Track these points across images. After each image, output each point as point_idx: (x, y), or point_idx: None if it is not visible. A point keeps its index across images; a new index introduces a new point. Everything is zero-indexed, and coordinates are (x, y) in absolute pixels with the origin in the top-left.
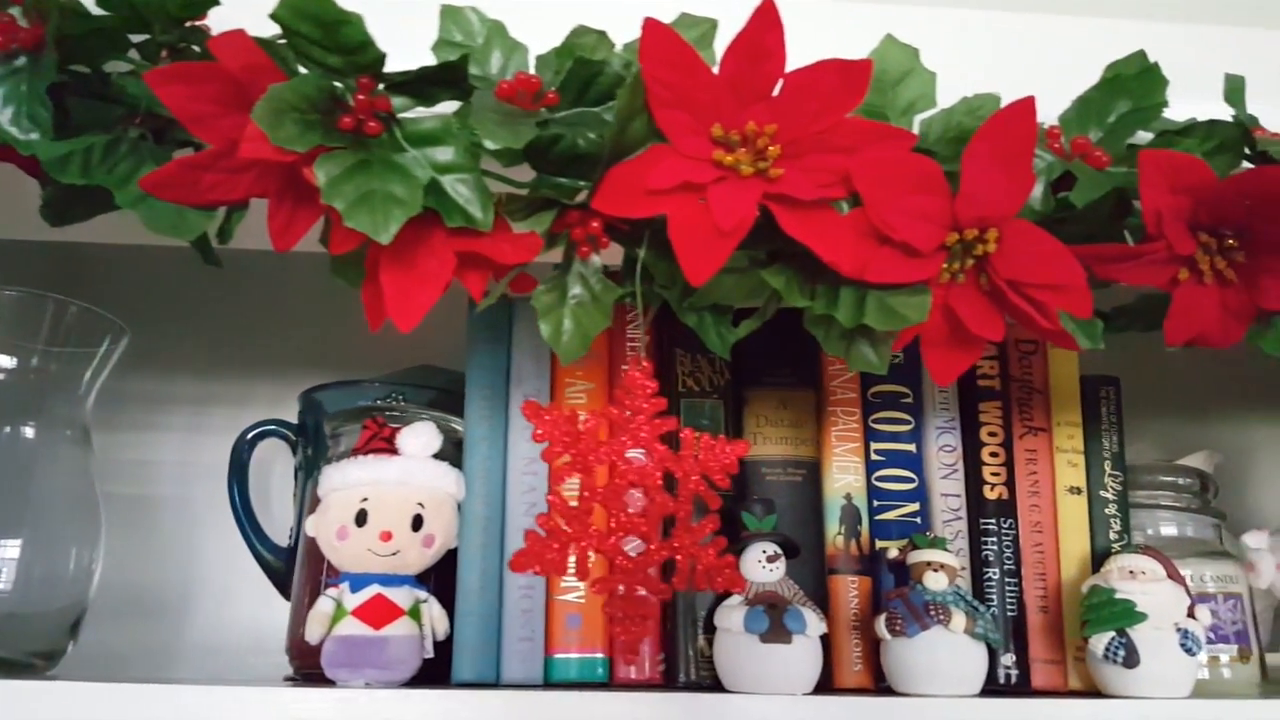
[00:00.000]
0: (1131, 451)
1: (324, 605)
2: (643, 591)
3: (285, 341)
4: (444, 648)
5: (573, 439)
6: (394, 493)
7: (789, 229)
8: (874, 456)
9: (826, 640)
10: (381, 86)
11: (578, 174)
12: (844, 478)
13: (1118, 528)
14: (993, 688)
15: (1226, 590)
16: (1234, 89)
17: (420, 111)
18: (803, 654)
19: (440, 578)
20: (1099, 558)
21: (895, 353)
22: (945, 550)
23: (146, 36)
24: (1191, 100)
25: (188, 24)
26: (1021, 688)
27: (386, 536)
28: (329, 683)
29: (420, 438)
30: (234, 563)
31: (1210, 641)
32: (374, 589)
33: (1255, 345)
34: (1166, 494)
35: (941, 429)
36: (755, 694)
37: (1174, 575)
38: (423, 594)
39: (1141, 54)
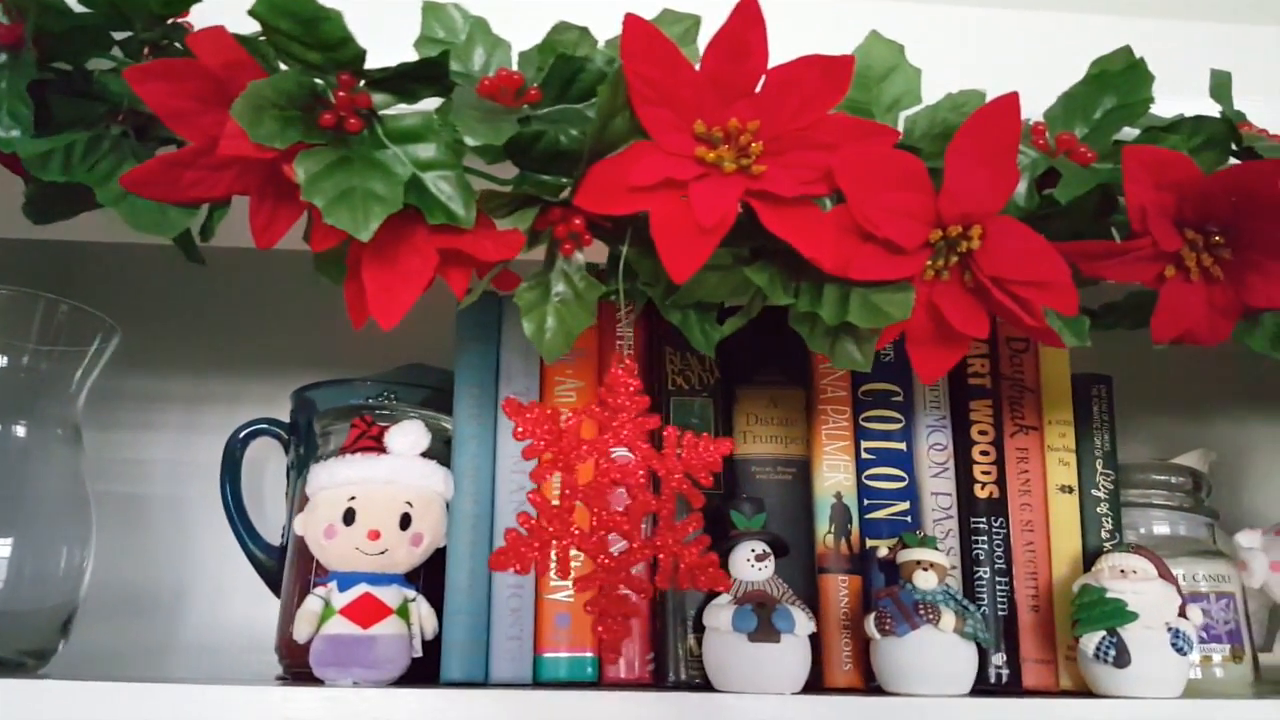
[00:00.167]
0: (1126, 450)
1: (312, 604)
2: (625, 590)
3: (278, 340)
4: (433, 647)
5: (554, 437)
6: (382, 491)
7: (770, 226)
8: (864, 455)
9: (816, 639)
10: (362, 83)
11: (560, 171)
12: (834, 476)
13: (1109, 526)
14: (983, 687)
15: (1219, 589)
16: (1220, 84)
17: (402, 108)
18: (791, 653)
19: (429, 576)
20: (1090, 557)
21: (883, 350)
22: (935, 549)
23: (129, 34)
24: (1178, 96)
25: (169, 21)
26: (1012, 687)
27: (374, 535)
28: (318, 682)
29: (408, 436)
30: (227, 561)
31: (1203, 641)
32: (362, 588)
33: (1242, 343)
34: (1159, 493)
35: (932, 427)
36: (744, 693)
37: (1165, 574)
38: (411, 593)
39: (1127, 50)
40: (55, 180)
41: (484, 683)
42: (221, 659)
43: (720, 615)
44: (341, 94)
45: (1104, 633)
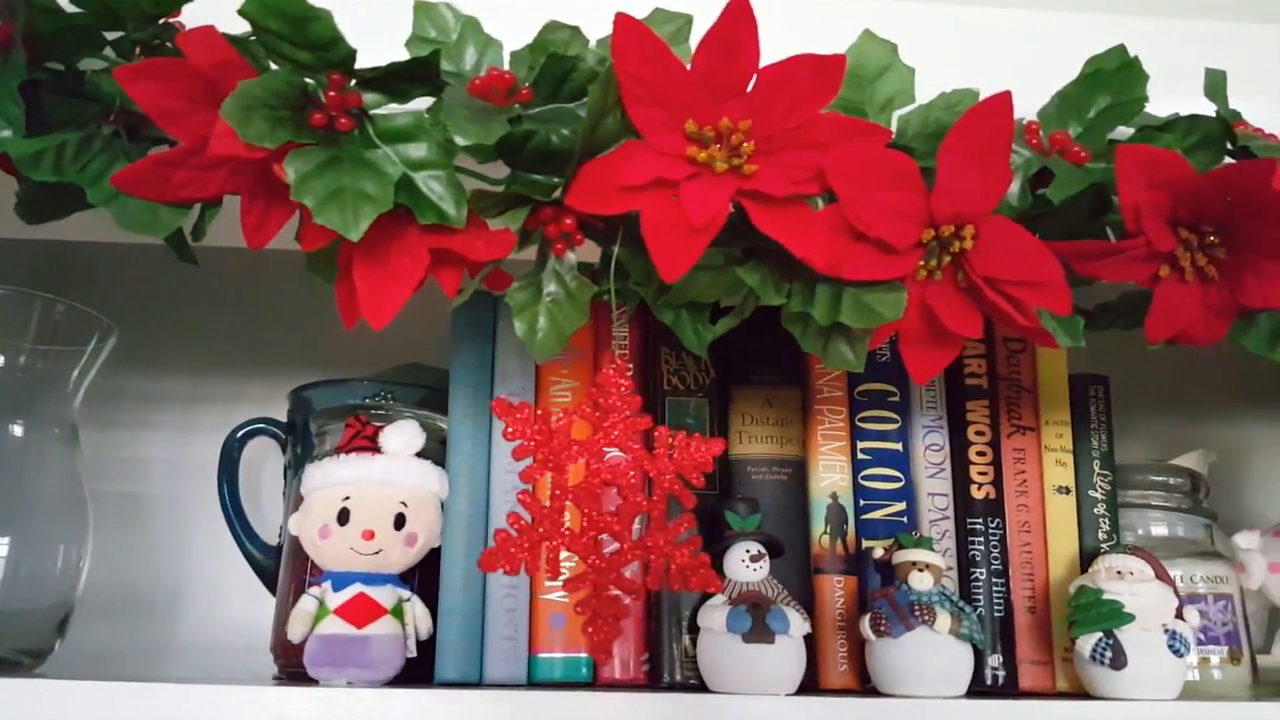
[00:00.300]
0: (1125, 451)
1: (306, 604)
2: (616, 591)
3: (276, 340)
4: (427, 647)
5: (545, 437)
6: (376, 491)
7: (761, 225)
8: (860, 455)
9: (811, 640)
10: (353, 83)
11: (552, 170)
12: (830, 476)
13: (1106, 527)
14: (979, 689)
15: (1217, 591)
16: (1215, 84)
17: (394, 108)
18: (786, 654)
19: (424, 576)
20: (1087, 558)
21: (879, 351)
22: (931, 550)
23: (121, 34)
24: (1174, 95)
25: (161, 21)
26: (1008, 689)
27: (368, 535)
28: (313, 682)
29: (402, 436)
30: (224, 561)
31: (1200, 643)
32: (356, 588)
33: (1238, 344)
34: (1157, 494)
35: (929, 428)
36: (738, 694)
37: (1162, 576)
38: (405, 593)
39: (1122, 49)
40: (46, 180)
41: (479, 683)
42: (219, 658)
43: (715, 616)
44: (332, 94)
45: (1100, 634)
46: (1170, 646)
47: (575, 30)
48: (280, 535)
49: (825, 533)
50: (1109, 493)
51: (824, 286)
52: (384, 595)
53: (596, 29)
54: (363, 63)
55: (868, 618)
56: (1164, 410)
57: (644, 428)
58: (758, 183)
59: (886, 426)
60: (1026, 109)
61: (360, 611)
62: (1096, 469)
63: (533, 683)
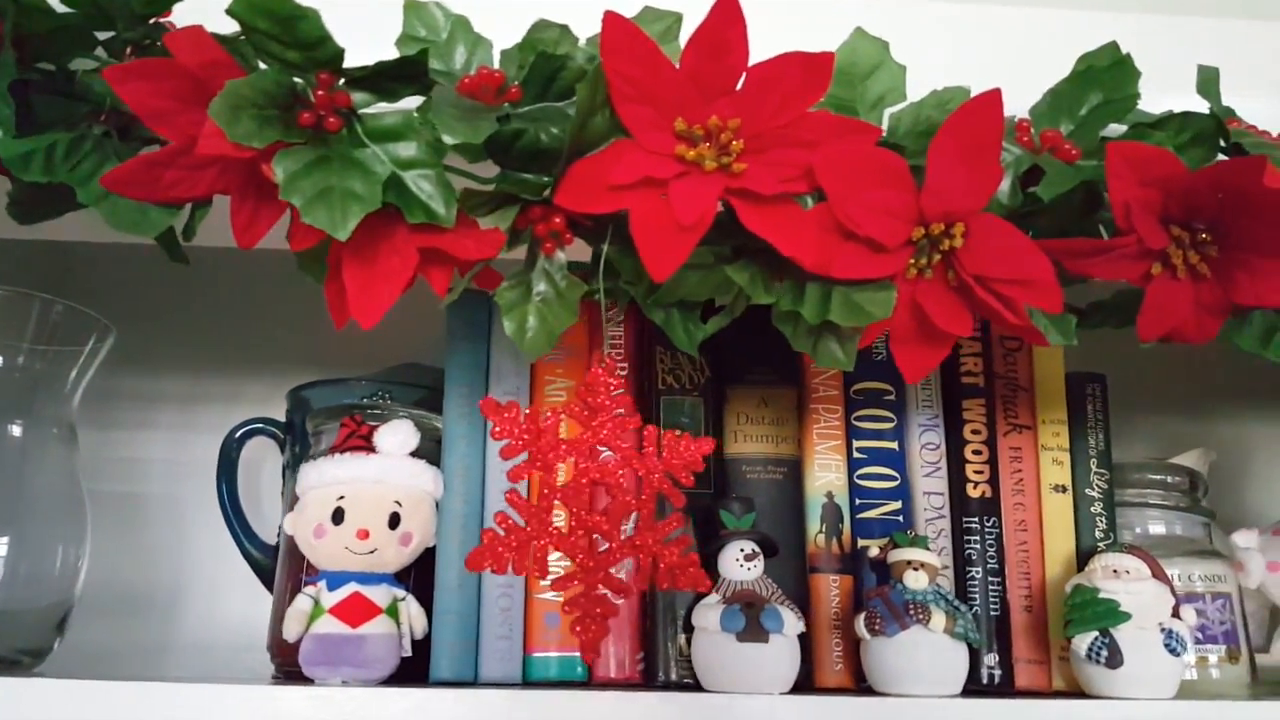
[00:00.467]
0: (1126, 449)
1: (301, 603)
2: (604, 591)
3: (274, 339)
4: (422, 646)
5: (533, 436)
6: (371, 491)
7: (749, 223)
8: (856, 454)
9: (807, 639)
10: (342, 82)
11: (541, 169)
12: (825, 475)
13: (1103, 526)
14: (976, 688)
15: (1215, 590)
16: (1207, 80)
17: (383, 107)
18: (780, 653)
19: (419, 576)
20: (1084, 557)
21: (874, 349)
22: (926, 549)
23: (112, 33)
24: (1167, 93)
25: (152, 21)
26: (1005, 688)
27: (363, 535)
28: (309, 681)
29: (397, 436)
30: (223, 560)
31: (1198, 642)
32: (351, 587)
33: (1231, 342)
34: (1155, 492)
35: (924, 426)
36: (733, 693)
37: (1159, 574)
38: (400, 592)
39: (1114, 45)
40: (37, 181)
41: (473, 682)
42: (217, 658)
43: (708, 615)
44: (320, 93)
45: (1096, 633)
46: (1166, 645)
47: (564, 29)
48: (278, 535)
49: (821, 532)
50: (1106, 491)
51: (813, 285)
52: (379, 594)
53: (587, 27)
54: (354, 62)
55: (863, 616)
56: (1165, 408)
57: (633, 427)
58: (747, 181)
59: (882, 425)
60: (1019, 106)
61: (355, 611)
62: (1093, 467)
63: (528, 682)
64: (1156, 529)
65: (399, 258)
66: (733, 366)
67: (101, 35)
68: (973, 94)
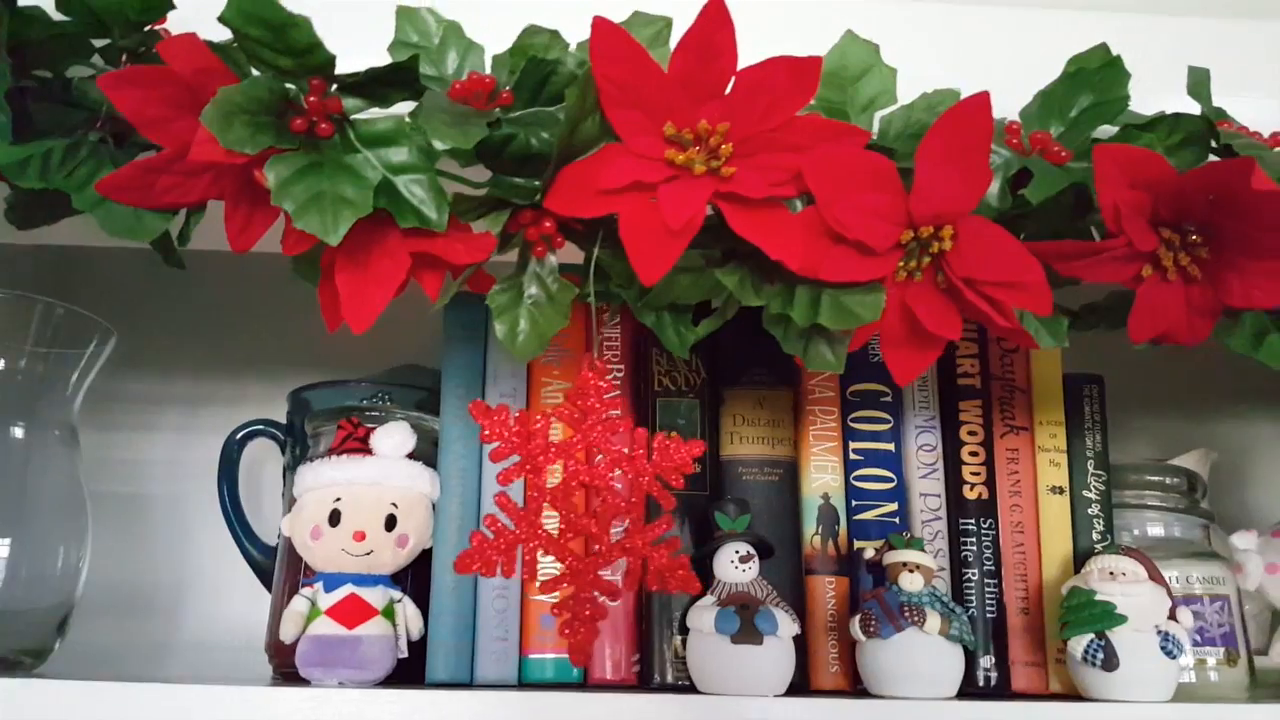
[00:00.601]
0: (1125, 450)
1: (298, 605)
2: (594, 593)
3: (275, 342)
4: (418, 648)
5: (523, 439)
6: (367, 493)
7: (737, 227)
8: (852, 456)
9: (803, 641)
10: (334, 88)
11: (532, 174)
12: (822, 477)
13: (1100, 528)
14: (972, 690)
15: (1213, 592)
16: (1197, 82)
17: (375, 113)
18: (774, 655)
19: (415, 578)
20: (1081, 559)
21: (870, 350)
22: (921, 551)
23: (108, 41)
24: (1157, 94)
25: (147, 28)
26: (1001, 690)
27: (359, 536)
28: (305, 682)
29: (393, 438)
30: (224, 561)
31: (1197, 644)
32: (348, 589)
33: (1222, 343)
34: (1153, 494)
35: (921, 428)
36: (728, 695)
37: (1155, 576)
38: (397, 594)
39: (1104, 47)
40: (33, 187)
41: (469, 684)
42: (218, 658)
43: (703, 617)
44: (312, 99)
45: (1092, 635)
46: (1163, 648)
47: (555, 34)
48: (279, 536)
49: (817, 533)
50: (1103, 493)
51: (803, 288)
52: (375, 596)
53: (577, 33)
54: (346, 68)
55: (858, 618)
56: (1164, 409)
57: (623, 429)
58: (736, 185)
59: (878, 427)
60: (1009, 109)
61: (351, 612)
62: (1091, 469)
63: (524, 683)
64: (1155, 530)
65: (391, 262)
66: (729, 368)
67: (98, 43)
68: (962, 96)
